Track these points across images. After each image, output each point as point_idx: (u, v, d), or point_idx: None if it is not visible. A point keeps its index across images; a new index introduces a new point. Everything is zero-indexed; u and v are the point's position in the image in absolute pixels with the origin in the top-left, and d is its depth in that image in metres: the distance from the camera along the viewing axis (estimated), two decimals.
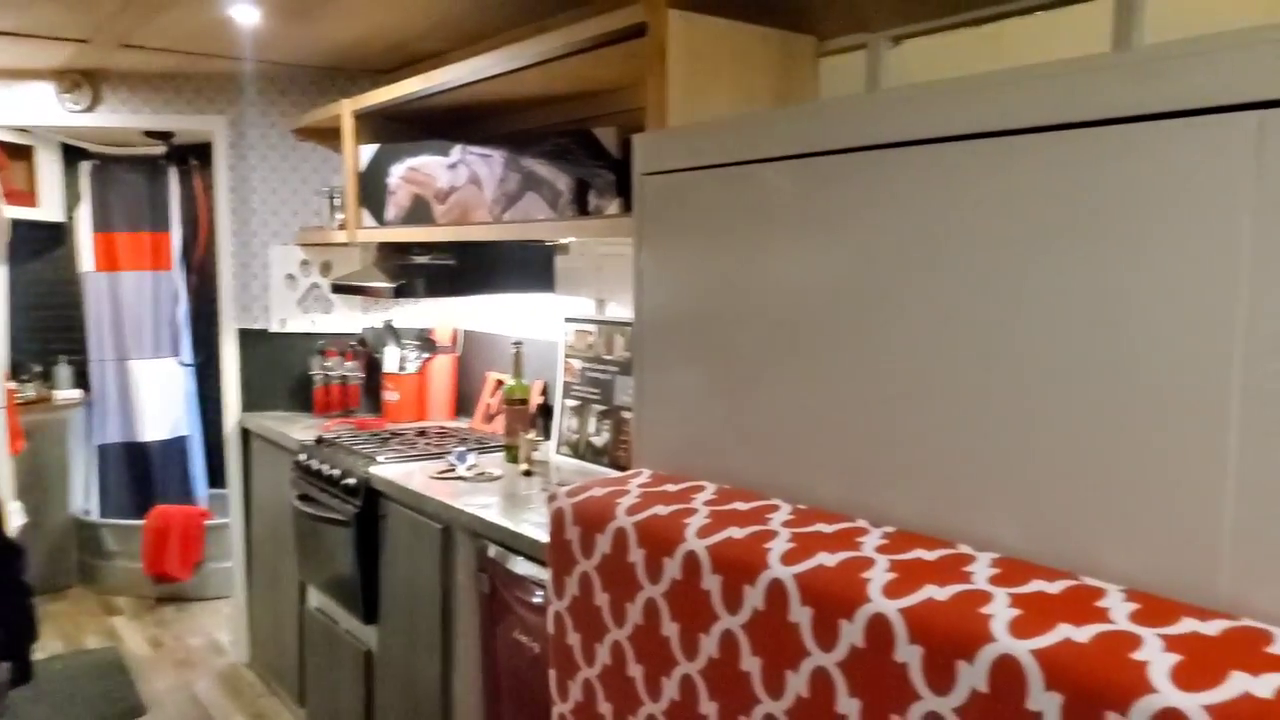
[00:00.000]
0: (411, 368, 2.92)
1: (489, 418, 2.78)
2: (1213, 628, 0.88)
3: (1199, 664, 0.82)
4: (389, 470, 2.29)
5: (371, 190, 2.59)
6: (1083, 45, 1.38)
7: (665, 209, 1.51)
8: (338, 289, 2.69)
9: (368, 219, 2.61)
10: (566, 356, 2.34)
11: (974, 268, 1.09)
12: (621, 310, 2.27)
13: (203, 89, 3.12)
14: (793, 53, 1.68)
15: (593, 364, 2.25)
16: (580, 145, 2.07)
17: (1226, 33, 0.88)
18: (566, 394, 2.34)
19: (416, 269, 2.40)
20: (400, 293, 2.34)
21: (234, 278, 3.20)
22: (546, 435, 2.40)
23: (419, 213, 2.45)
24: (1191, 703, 0.78)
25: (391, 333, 2.99)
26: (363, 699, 2.40)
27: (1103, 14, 1.35)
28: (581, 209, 1.97)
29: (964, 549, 1.10)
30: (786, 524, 1.22)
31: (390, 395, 2.96)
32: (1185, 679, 0.80)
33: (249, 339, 3.22)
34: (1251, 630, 0.87)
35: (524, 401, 2.31)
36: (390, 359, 2.96)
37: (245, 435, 3.20)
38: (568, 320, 2.34)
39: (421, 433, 2.74)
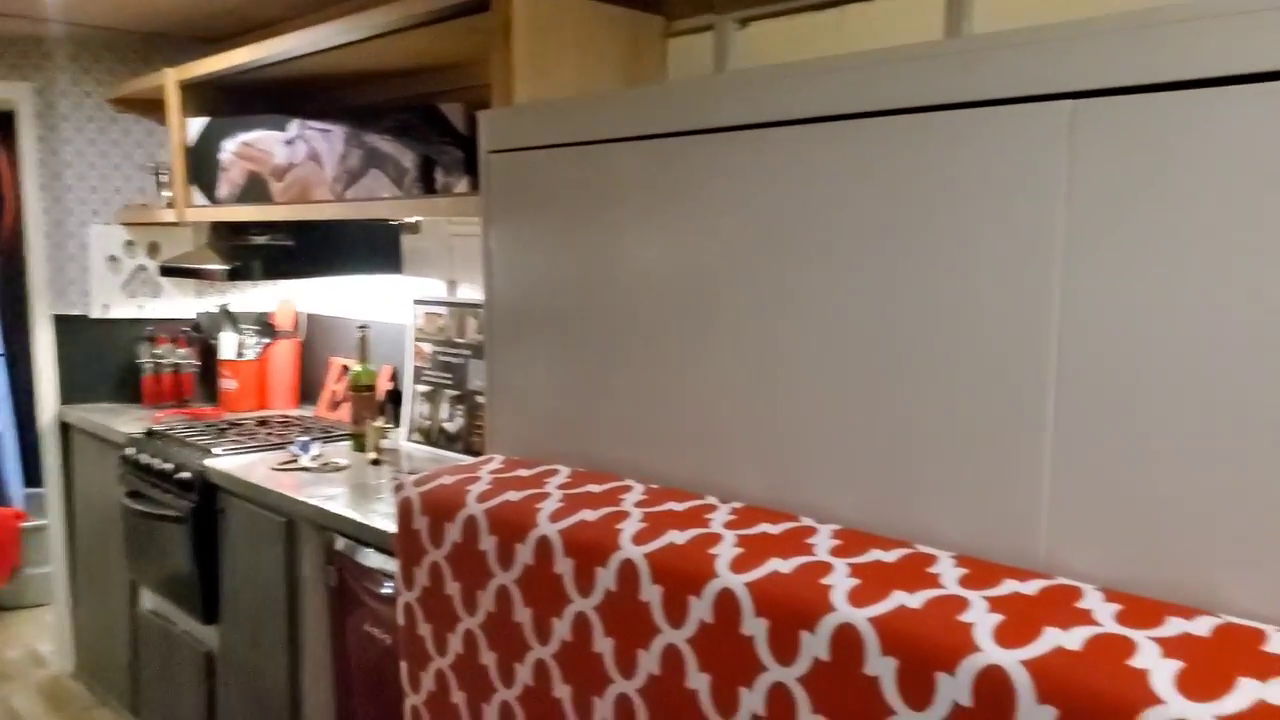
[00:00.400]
0: (250, 354, 2.78)
1: (335, 405, 2.67)
2: (1031, 587, 0.94)
3: (1018, 622, 0.87)
4: (227, 462, 2.17)
5: (202, 166, 2.43)
6: (920, 32, 1.43)
7: (514, 188, 1.48)
8: (167, 271, 2.52)
9: (199, 197, 2.45)
10: (416, 340, 2.27)
11: (815, 249, 1.12)
12: (473, 292, 2.22)
13: (4, 53, 2.85)
14: (640, 32, 1.67)
15: (444, 347, 2.20)
16: (426, 121, 2.01)
17: (1043, 25, 0.93)
18: (417, 379, 2.27)
19: (253, 250, 2.28)
20: (235, 275, 2.21)
21: (47, 260, 2.95)
22: (396, 422, 2.33)
23: (255, 190, 2.32)
24: (1010, 659, 0.83)
25: (228, 317, 2.83)
26: (204, 703, 2.28)
27: (937, 1, 1.40)
28: (428, 187, 1.91)
29: (807, 522, 1.14)
30: (639, 504, 1.22)
31: (228, 384, 2.80)
32: (1005, 637, 0.85)
33: (66, 326, 2.97)
34: (1065, 588, 0.94)
35: (371, 388, 2.23)
36: (227, 345, 2.80)
37: (65, 430, 2.96)
38: (417, 302, 2.27)
39: (262, 422, 2.61)
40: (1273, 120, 0.81)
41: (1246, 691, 0.75)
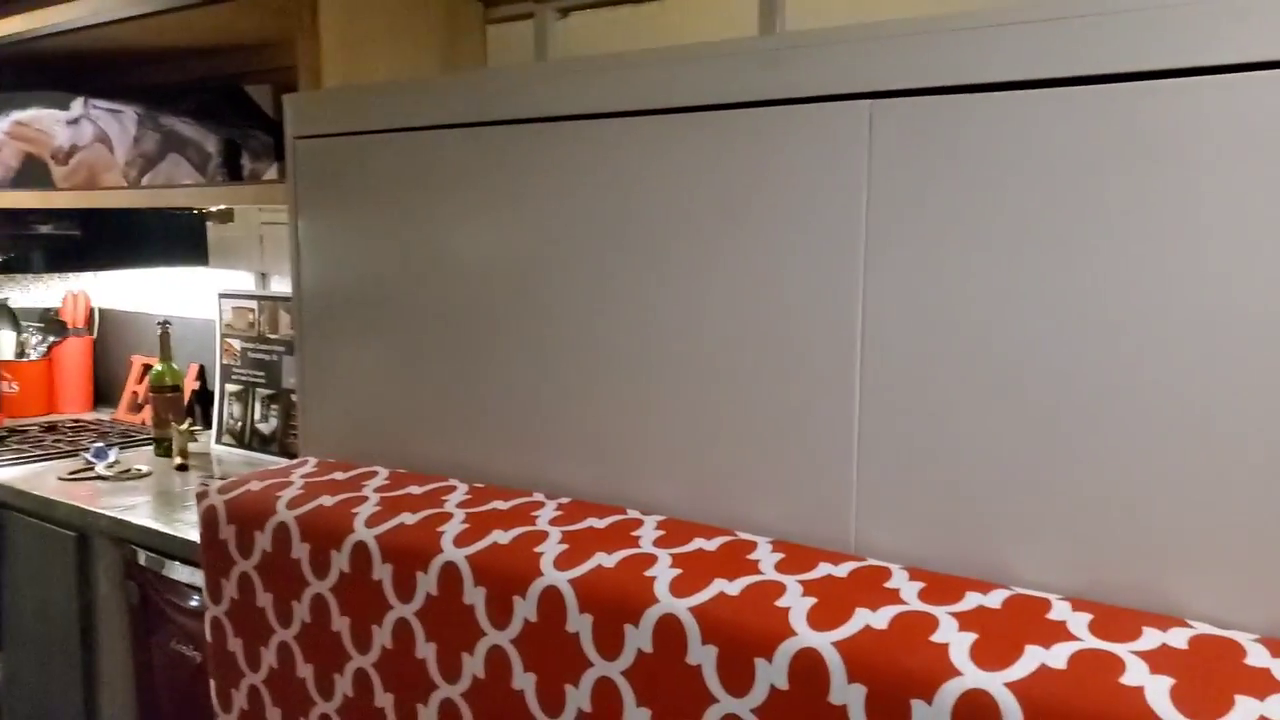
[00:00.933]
0: (35, 354, 2.53)
1: (135, 408, 2.48)
2: (843, 570, 0.98)
3: (831, 604, 0.90)
4: (8, 473, 1.97)
5: None
6: (736, 27, 1.46)
7: (324, 176, 1.41)
8: None
9: None
10: (225, 336, 2.13)
11: (633, 243, 1.12)
12: (286, 284, 2.11)
13: None
14: (458, 18, 1.63)
15: (256, 344, 2.08)
16: (231, 103, 1.88)
17: (843, 26, 0.96)
18: (227, 378, 2.14)
19: (32, 240, 2.07)
20: (10, 267, 2.00)
21: None
22: (206, 425, 2.19)
23: (33, 175, 2.10)
24: (823, 640, 0.86)
25: (7, 314, 2.57)
26: None
27: None
28: (234, 174, 1.80)
29: (633, 514, 1.14)
30: (462, 504, 1.19)
31: (8, 387, 2.55)
32: (818, 620, 0.88)
33: None
34: (875, 569, 0.98)
35: (175, 388, 2.08)
36: (6, 345, 2.54)
37: None
38: (224, 296, 2.13)
39: (51, 428, 2.38)
40: (1057, 122, 0.87)
41: (1032, 658, 0.80)
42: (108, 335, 2.64)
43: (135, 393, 2.49)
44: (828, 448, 1.02)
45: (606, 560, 1.01)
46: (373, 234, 1.36)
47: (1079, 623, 0.85)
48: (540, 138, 1.18)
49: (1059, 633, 0.84)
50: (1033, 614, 0.87)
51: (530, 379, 1.23)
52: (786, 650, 0.87)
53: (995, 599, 0.91)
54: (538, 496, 1.21)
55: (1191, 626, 0.84)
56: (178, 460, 2.02)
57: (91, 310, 2.64)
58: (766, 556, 1.01)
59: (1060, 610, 0.88)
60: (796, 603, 0.91)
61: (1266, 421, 0.81)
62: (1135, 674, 0.77)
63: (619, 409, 1.16)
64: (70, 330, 2.59)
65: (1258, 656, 0.79)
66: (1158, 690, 0.75)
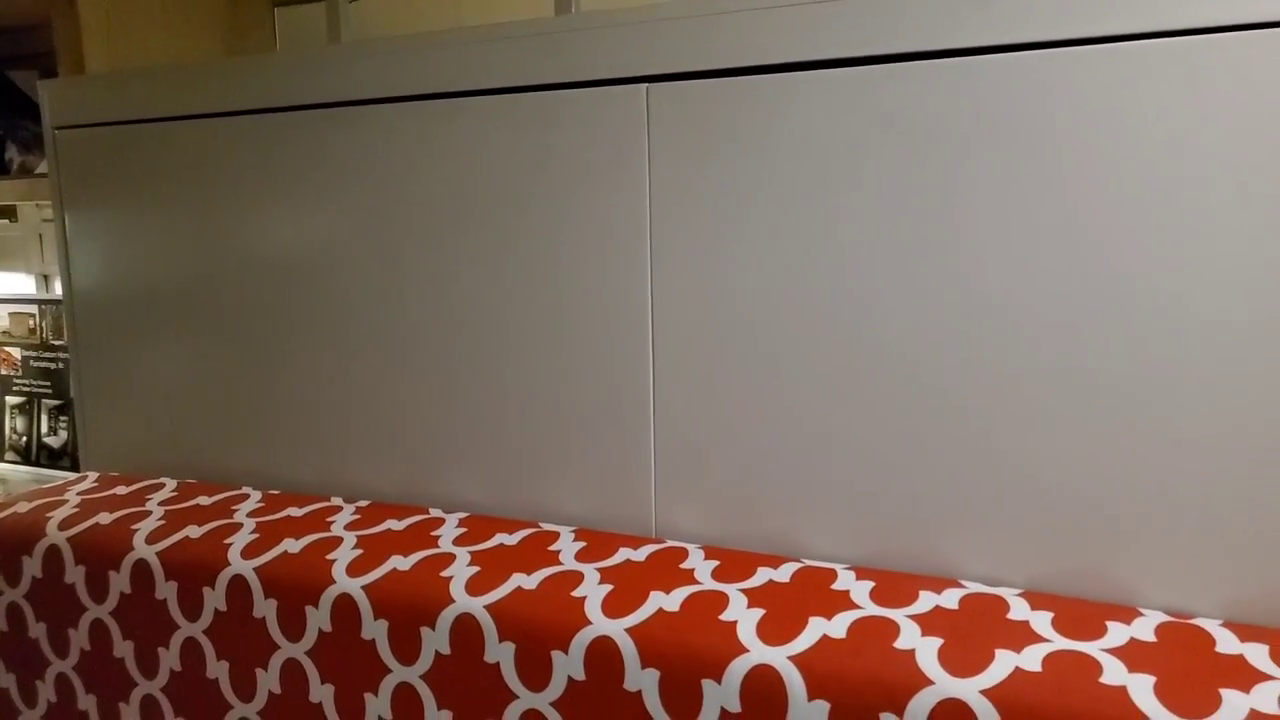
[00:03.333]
0: None
1: None
2: (642, 554, 0.98)
3: (626, 590, 0.90)
4: None
5: None
6: (532, 8, 1.44)
7: (93, 168, 1.30)
8: None
9: None
10: (3, 345, 1.96)
11: (423, 232, 1.09)
12: None
13: None
14: (241, 1, 1.53)
15: (39, 351, 1.91)
16: None
17: (622, 9, 0.95)
18: (7, 389, 1.96)
19: None
20: None
21: None
22: None
23: None
24: (616, 628, 0.86)
25: None
26: None
27: None
28: (0, 167, 1.64)
29: (436, 513, 1.11)
30: (253, 514, 1.13)
31: None
32: (612, 607, 0.88)
33: None
34: (673, 550, 0.99)
35: None
36: None
37: None
38: (0, 301, 1.95)
39: None
40: (819, 103, 0.89)
41: (815, 630, 0.82)
42: None
43: None
44: (626, 434, 1.02)
45: (401, 563, 0.98)
46: (153, 230, 1.27)
47: (861, 591, 0.89)
48: (330, 123, 1.12)
49: (842, 602, 0.87)
50: (818, 586, 0.90)
51: (325, 377, 1.18)
52: (581, 641, 0.87)
53: (784, 573, 0.93)
54: (335, 501, 1.16)
55: (964, 586, 0.89)
56: None
57: None
58: (568, 546, 1.00)
59: (845, 580, 0.91)
60: (593, 591, 0.91)
61: (1012, 390, 0.86)
62: (908, 637, 0.80)
63: (417, 405, 1.12)
64: None
65: (1019, 610, 0.84)
66: (927, 651, 0.78)
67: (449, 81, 1.05)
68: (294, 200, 1.16)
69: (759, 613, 0.85)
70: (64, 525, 1.13)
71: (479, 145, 1.04)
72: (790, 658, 0.80)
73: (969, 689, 0.74)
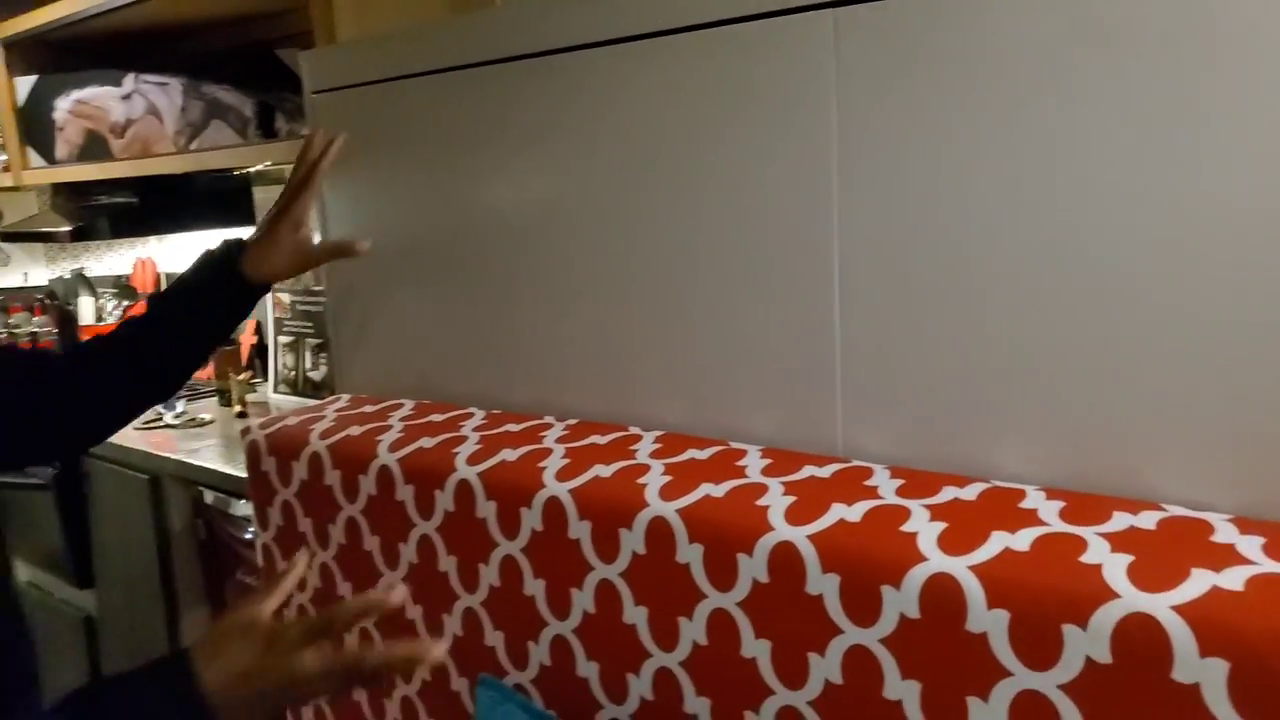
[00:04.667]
0: (111, 318, 2.70)
1: None
2: (827, 471, 1.02)
3: (809, 502, 0.94)
4: None
5: (36, 127, 2.32)
6: None
7: (343, 127, 1.47)
8: (8, 237, 2.42)
9: (36, 159, 2.35)
10: (275, 291, 2.25)
11: (637, 169, 1.16)
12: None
13: None
14: None
15: (303, 296, 2.18)
16: (263, 68, 1.96)
17: None
18: (279, 330, 2.25)
19: (97, 209, 2.20)
20: (79, 235, 2.14)
21: None
22: (264, 375, 2.31)
23: (94, 149, 2.23)
24: (798, 534, 0.90)
25: (83, 282, 2.74)
26: (88, 668, 2.26)
27: None
28: (269, 134, 1.88)
29: (634, 430, 1.19)
30: (478, 429, 1.26)
31: None
32: (795, 515, 0.92)
33: None
34: (857, 469, 1.01)
35: (233, 342, 2.20)
36: (85, 310, 2.71)
37: None
38: None
39: None
40: (1030, 21, 0.87)
41: (997, 543, 0.83)
42: None
43: None
44: (811, 355, 1.05)
45: (603, 471, 1.07)
46: (394, 180, 1.43)
47: (1050, 510, 0.88)
48: (545, 71, 1.21)
49: (1028, 519, 0.86)
50: (1005, 504, 0.90)
51: (542, 313, 1.28)
52: (765, 545, 0.92)
53: (971, 492, 0.93)
54: (548, 419, 1.27)
55: (1164, 510, 0.86)
56: (238, 409, 2.15)
57: (158, 275, 2.79)
58: (755, 463, 1.05)
59: (1034, 499, 0.90)
60: (776, 501, 0.95)
61: (1234, 303, 0.82)
62: (1096, 553, 0.79)
63: (620, 336, 1.21)
64: (140, 294, 2.75)
65: (1225, 534, 0.81)
66: (1115, 566, 0.77)
67: (643, 23, 1.11)
68: (512, 148, 1.27)
69: (940, 526, 0.87)
70: (324, 435, 1.31)
71: (673, 83, 1.10)
72: (970, 567, 0.81)
73: (1159, 604, 0.72)
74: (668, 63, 1.10)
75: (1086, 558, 0.79)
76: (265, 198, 2.32)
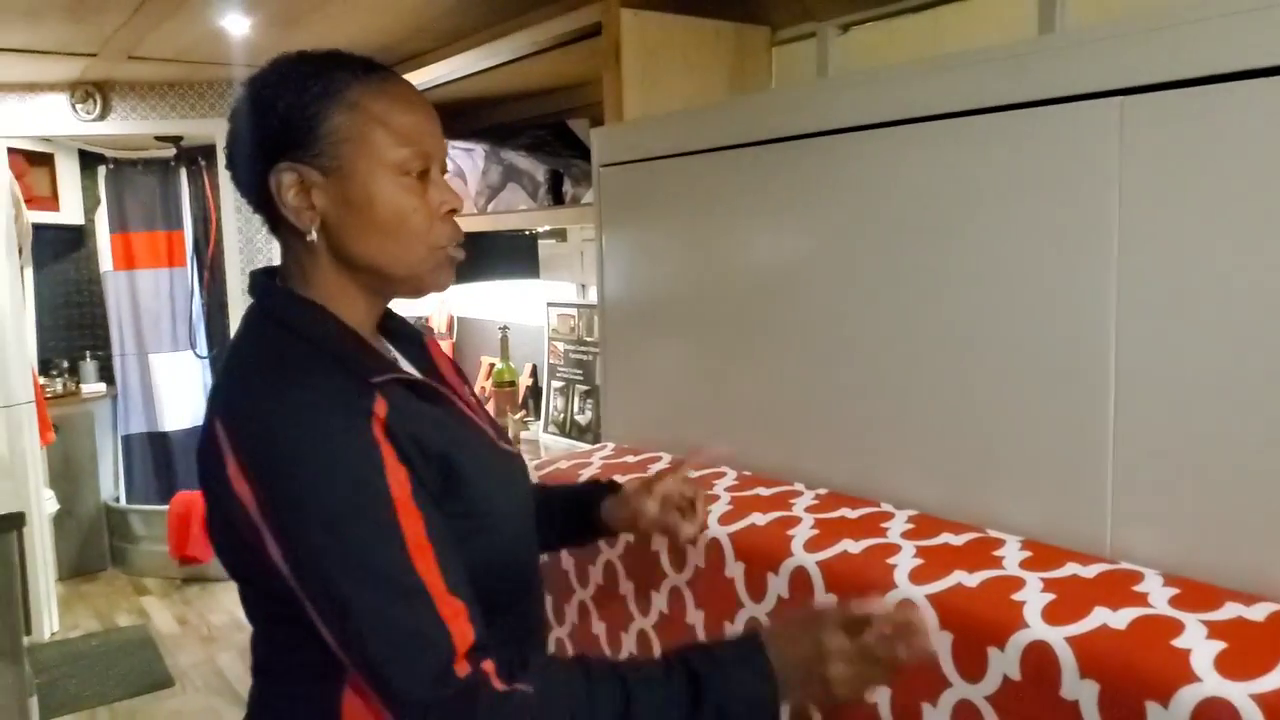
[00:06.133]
0: None
1: (483, 401, 2.89)
2: (1091, 571, 0.97)
3: (1069, 602, 0.91)
4: None
5: None
6: (1013, 29, 1.45)
7: (626, 197, 1.60)
8: None
9: None
10: (550, 339, 2.44)
11: (904, 247, 1.18)
12: None
13: (205, 94, 3.24)
14: (746, 44, 1.76)
15: (575, 346, 2.35)
16: (557, 137, 2.16)
17: (1092, 26, 0.96)
18: (552, 375, 2.44)
19: None
20: None
21: (241, 272, 3.33)
22: (536, 415, 2.51)
23: None
24: (1056, 635, 0.87)
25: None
26: None
27: None
28: (557, 198, 2.07)
29: (886, 507, 1.20)
30: (729, 488, 1.31)
31: None
32: (1053, 615, 0.89)
33: None
34: (1126, 572, 0.96)
35: (512, 384, 2.41)
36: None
37: None
38: (550, 305, 2.44)
39: None
40: None
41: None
42: (463, 339, 3.10)
43: (483, 388, 2.90)
44: (1081, 448, 1.01)
45: (852, 547, 1.08)
46: (665, 247, 1.53)
47: None
48: (815, 151, 1.26)
49: None
50: None
51: (796, 377, 1.32)
52: (1018, 641, 0.89)
53: (1258, 612, 0.86)
54: (797, 485, 1.30)
55: None
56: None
57: (451, 318, 3.11)
58: (1013, 554, 1.02)
59: None
60: (1034, 598, 0.92)
61: None
62: None
63: (874, 407, 1.22)
64: (437, 335, 3.08)
65: None
66: None
67: (918, 107, 1.13)
68: (780, 222, 1.33)
69: (1219, 645, 0.81)
70: None
71: (943, 165, 1.11)
72: (1253, 695, 0.75)
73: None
74: (938, 144, 1.11)
75: None
76: (548, 253, 2.54)
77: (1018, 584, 0.95)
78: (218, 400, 0.87)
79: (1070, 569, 0.98)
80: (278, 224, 0.93)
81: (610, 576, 1.37)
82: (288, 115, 0.87)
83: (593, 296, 2.40)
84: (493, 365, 2.86)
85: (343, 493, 0.79)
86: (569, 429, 2.37)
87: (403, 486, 0.81)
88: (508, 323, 2.59)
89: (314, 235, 0.89)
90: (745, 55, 1.76)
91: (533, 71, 2.08)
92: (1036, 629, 0.88)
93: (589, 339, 2.31)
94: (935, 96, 1.11)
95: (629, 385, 1.64)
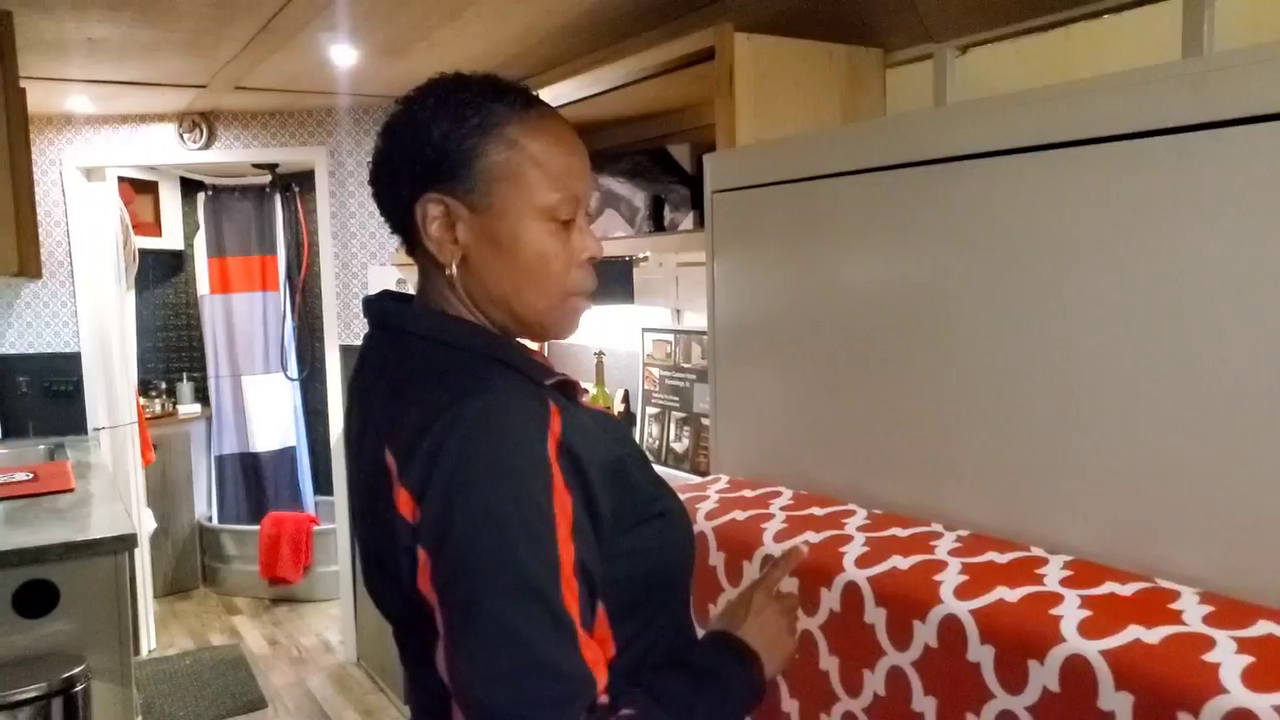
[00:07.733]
0: None
1: None
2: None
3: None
4: None
5: None
6: (1151, 48, 1.38)
7: (737, 224, 1.57)
8: None
9: None
10: (646, 365, 2.41)
11: (1041, 277, 1.12)
12: (697, 319, 2.32)
13: (305, 123, 3.31)
14: (859, 66, 1.71)
15: (671, 372, 2.32)
16: (655, 162, 2.14)
17: (1269, 43, 0.89)
18: (647, 402, 2.40)
19: None
20: None
21: (336, 297, 3.38)
22: None
23: None
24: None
25: None
26: None
27: (1171, 15, 1.34)
28: (657, 224, 2.04)
29: (1037, 552, 1.13)
30: (862, 528, 1.26)
31: None
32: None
33: (351, 354, 3.39)
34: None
35: (607, 409, 2.38)
36: None
37: None
38: (646, 330, 2.41)
39: None
40: None
41: None
42: (557, 364, 3.08)
43: None
44: (1262, 495, 0.94)
45: (1009, 595, 1.02)
46: (778, 274, 1.49)
47: None
48: (934, 178, 1.22)
49: None
50: None
51: (929, 410, 1.26)
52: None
53: None
54: (936, 527, 1.24)
55: None
56: None
57: (544, 344, 3.11)
58: (1192, 607, 0.95)
59: None
60: (1229, 659, 0.85)
61: None
62: None
63: (1024, 444, 1.15)
64: None
65: None
66: None
67: (1048, 133, 1.08)
68: (900, 247, 1.28)
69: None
70: (709, 516, 1.38)
71: (1093, 191, 1.05)
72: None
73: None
74: (1060, 172, 1.06)
75: None
76: (644, 279, 2.51)
77: (1207, 643, 0.88)
78: (382, 429, 0.84)
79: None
80: (415, 248, 0.91)
81: None
82: (443, 145, 0.85)
83: (688, 322, 2.36)
84: (586, 391, 2.84)
85: (512, 495, 0.75)
86: (665, 457, 2.33)
87: (565, 514, 0.78)
88: (603, 348, 2.56)
89: (453, 270, 0.87)
90: (858, 78, 1.72)
91: (635, 97, 2.06)
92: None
93: (685, 365, 2.27)
94: (1087, 120, 1.05)
95: (739, 414, 1.60)
